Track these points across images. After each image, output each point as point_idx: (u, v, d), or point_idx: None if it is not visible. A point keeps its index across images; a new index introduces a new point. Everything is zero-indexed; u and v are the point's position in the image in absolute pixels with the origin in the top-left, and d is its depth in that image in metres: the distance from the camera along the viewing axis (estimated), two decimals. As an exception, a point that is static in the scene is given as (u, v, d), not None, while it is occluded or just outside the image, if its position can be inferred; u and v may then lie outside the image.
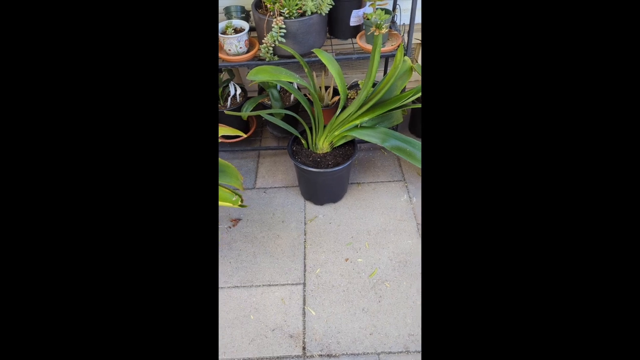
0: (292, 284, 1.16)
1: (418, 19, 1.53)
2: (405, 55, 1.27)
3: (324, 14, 1.21)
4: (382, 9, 1.27)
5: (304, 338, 1.03)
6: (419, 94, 1.14)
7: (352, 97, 1.55)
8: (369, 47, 1.30)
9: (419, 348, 1.00)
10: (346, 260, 1.22)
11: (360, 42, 1.31)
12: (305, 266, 1.21)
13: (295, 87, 1.32)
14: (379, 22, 1.01)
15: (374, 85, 1.50)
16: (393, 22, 1.42)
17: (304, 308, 1.10)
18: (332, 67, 1.11)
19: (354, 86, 1.62)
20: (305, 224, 1.34)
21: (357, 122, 1.19)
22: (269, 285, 1.16)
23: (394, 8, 1.42)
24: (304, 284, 1.16)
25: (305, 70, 1.17)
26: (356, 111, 1.17)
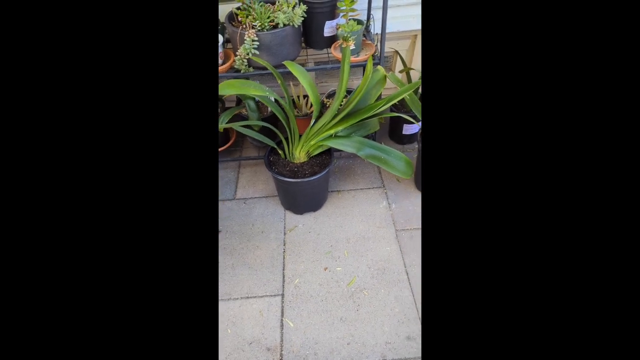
0: (271, 296, 1.15)
1: (391, 28, 1.55)
2: (378, 64, 1.29)
3: (296, 26, 1.22)
4: (354, 20, 1.29)
5: (281, 350, 1.03)
6: (392, 102, 1.15)
7: (329, 106, 1.56)
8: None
9: (396, 356, 1.00)
10: (325, 269, 1.22)
11: (334, 52, 1.33)
12: (284, 277, 1.20)
13: (272, 98, 1.32)
14: (345, 35, 1.03)
15: (350, 93, 1.52)
16: (368, 31, 1.44)
17: (281, 320, 1.09)
18: (304, 78, 1.12)
19: (333, 94, 1.64)
20: (284, 234, 1.34)
21: (332, 131, 1.20)
22: (247, 297, 1.15)
23: (368, 18, 1.44)
24: (283, 295, 1.15)
25: (279, 81, 1.18)
26: (330, 121, 1.18)
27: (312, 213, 1.40)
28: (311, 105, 1.55)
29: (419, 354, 1.00)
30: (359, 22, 1.29)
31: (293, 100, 1.54)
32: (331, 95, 1.63)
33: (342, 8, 1.24)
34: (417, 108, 1.30)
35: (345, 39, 0.99)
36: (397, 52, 1.56)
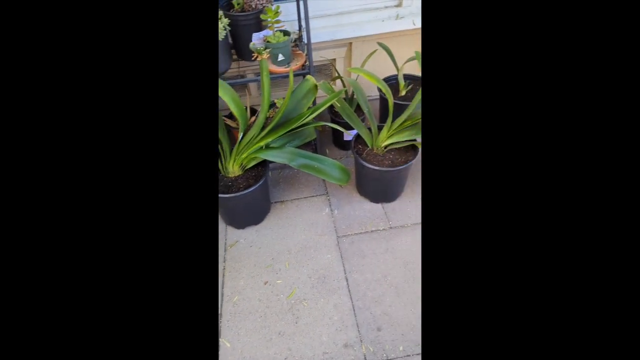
0: (208, 316, 1.12)
1: (323, 37, 1.57)
2: (309, 73, 1.30)
3: (221, 39, 1.21)
4: (281, 31, 1.29)
5: (217, 373, 0.99)
6: (318, 111, 1.16)
7: (270, 116, 1.55)
8: (273, 68, 1.31)
9: (333, 366, 0.99)
10: (265, 283, 1.20)
11: (264, 63, 1.33)
12: (222, 295, 1.17)
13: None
14: (257, 48, 1.03)
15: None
16: (301, 41, 1.45)
17: (218, 341, 1.06)
18: (225, 93, 1.10)
19: (273, 105, 1.63)
20: (225, 250, 1.31)
21: (262, 143, 1.19)
22: (183, 320, 1.11)
23: (300, 28, 1.45)
24: (220, 315, 1.12)
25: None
26: (259, 133, 1.17)
27: (254, 226, 1.38)
28: (251, 116, 1.54)
29: (356, 361, 1.00)
30: (286, 32, 1.29)
31: (231, 113, 1.52)
32: (272, 105, 1.62)
33: (267, 20, 1.24)
34: (348, 115, 1.32)
35: (259, 52, 0.99)
36: (332, 62, 1.59)
